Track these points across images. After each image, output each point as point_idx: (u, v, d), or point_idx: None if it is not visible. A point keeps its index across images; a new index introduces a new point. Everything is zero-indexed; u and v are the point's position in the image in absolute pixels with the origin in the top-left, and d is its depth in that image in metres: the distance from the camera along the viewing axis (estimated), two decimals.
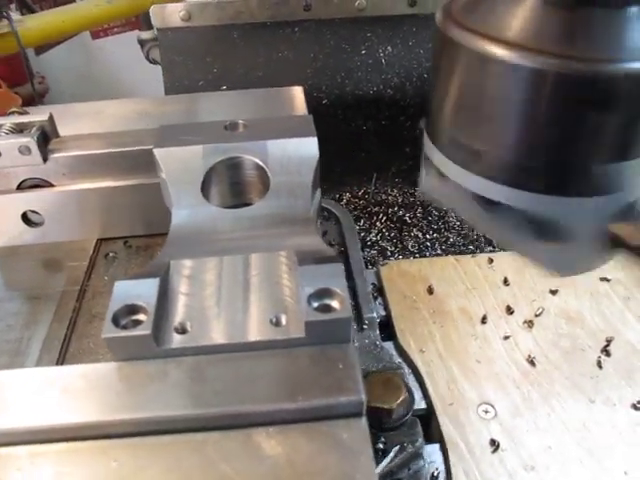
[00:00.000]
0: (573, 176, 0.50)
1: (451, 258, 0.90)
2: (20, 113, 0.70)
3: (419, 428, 0.65)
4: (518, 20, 0.46)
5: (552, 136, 0.48)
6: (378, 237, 1.10)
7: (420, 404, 0.70)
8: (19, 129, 0.67)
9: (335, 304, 0.45)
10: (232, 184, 0.62)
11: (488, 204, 0.54)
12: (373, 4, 1.08)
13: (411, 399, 0.67)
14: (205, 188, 0.60)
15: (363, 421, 0.41)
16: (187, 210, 0.58)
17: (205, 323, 0.46)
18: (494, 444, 0.65)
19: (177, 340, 0.45)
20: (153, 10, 1.07)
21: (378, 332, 0.77)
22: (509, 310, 0.80)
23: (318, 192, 0.63)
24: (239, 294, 0.48)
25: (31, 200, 0.68)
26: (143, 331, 0.43)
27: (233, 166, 0.61)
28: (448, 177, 0.56)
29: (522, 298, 0.82)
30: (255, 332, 0.45)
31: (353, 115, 1.17)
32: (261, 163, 0.60)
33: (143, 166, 0.66)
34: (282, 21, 1.10)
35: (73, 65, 2.84)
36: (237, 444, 0.40)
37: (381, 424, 0.64)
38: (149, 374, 0.43)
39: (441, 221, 1.11)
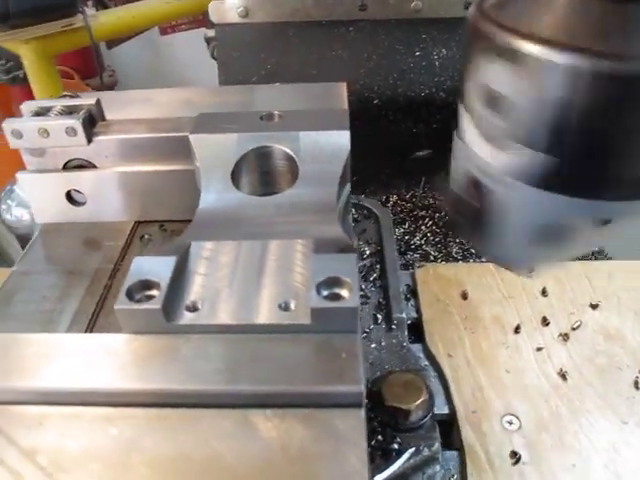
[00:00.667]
0: (606, 180, 0.48)
1: (490, 265, 0.87)
2: (71, 97, 0.74)
3: (437, 432, 0.64)
4: (552, 16, 0.44)
5: (585, 137, 0.46)
6: (422, 241, 1.08)
7: (443, 409, 0.68)
8: (68, 111, 0.70)
9: (344, 293, 0.44)
10: (263, 173, 0.62)
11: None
12: (429, 6, 1.07)
13: (431, 402, 0.65)
14: (236, 175, 0.60)
15: (361, 413, 0.41)
16: (215, 195, 0.59)
17: (216, 303, 0.47)
18: (515, 456, 0.63)
19: (187, 317, 0.46)
20: (212, 6, 1.10)
21: (406, 333, 0.76)
22: (545, 321, 0.77)
23: (348, 186, 0.62)
24: (253, 278, 0.49)
25: (75, 180, 0.71)
26: (153, 305, 0.44)
27: (265, 155, 0.61)
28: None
29: (560, 310, 0.79)
30: (263, 315, 0.46)
31: (404, 117, 1.16)
32: (292, 153, 0.60)
33: (182, 152, 0.67)
34: (337, 20, 1.10)
35: (142, 60, 2.95)
36: (233, 423, 0.40)
37: (398, 424, 0.63)
38: (156, 348, 0.44)
39: None
